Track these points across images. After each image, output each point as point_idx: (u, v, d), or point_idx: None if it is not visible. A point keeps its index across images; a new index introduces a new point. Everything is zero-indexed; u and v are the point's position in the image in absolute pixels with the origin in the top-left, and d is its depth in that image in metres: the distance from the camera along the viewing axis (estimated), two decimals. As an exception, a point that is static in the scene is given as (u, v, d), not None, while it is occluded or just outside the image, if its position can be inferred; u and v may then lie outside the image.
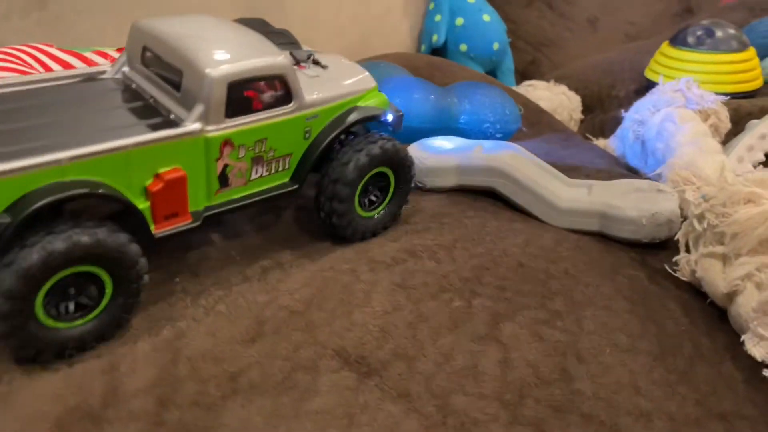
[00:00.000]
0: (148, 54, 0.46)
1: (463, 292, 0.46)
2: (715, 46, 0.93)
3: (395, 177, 0.52)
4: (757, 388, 0.43)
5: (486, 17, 1.16)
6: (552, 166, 0.62)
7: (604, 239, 0.55)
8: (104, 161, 0.38)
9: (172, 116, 0.42)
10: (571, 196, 0.57)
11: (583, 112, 1.04)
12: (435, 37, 1.16)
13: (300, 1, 1.11)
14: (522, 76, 1.32)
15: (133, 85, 0.47)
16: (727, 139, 0.77)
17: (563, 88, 1.05)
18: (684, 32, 0.96)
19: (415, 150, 0.60)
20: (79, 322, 0.39)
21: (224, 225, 0.53)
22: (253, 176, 0.46)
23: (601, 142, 0.86)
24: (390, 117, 0.52)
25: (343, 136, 0.50)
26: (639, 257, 0.53)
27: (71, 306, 0.39)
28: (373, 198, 0.52)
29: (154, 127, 0.41)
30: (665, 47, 0.98)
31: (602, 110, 1.01)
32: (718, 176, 0.50)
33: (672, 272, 0.52)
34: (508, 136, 0.75)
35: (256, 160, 0.45)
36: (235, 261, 0.48)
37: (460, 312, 0.44)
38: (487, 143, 0.61)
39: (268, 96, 0.44)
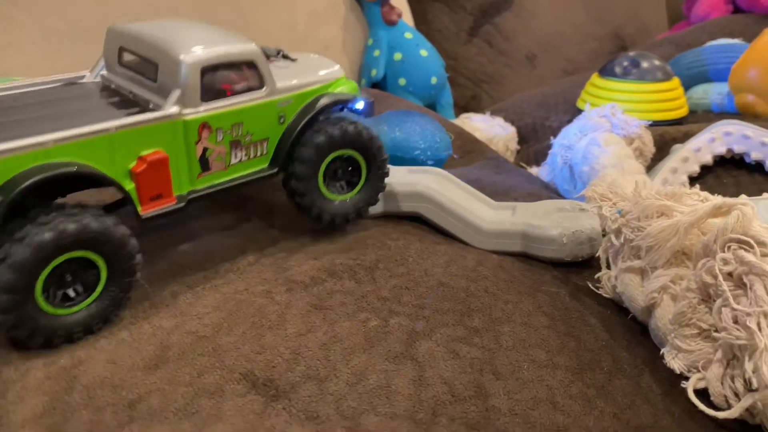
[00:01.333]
0: (125, 54, 0.49)
1: (380, 311, 0.45)
2: (641, 76, 0.96)
3: (365, 161, 0.52)
4: (675, 400, 0.42)
5: (423, 52, 1.19)
6: (482, 190, 0.62)
7: (528, 259, 0.55)
8: (88, 143, 0.40)
9: (151, 105, 0.45)
10: (495, 218, 0.57)
11: (519, 142, 1.06)
12: (374, 72, 1.18)
13: (237, 37, 1.11)
14: (463, 110, 1.34)
15: (113, 85, 0.49)
16: (653, 164, 0.79)
17: (499, 120, 1.07)
18: (612, 63, 1.00)
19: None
20: (80, 306, 0.41)
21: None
22: (233, 161, 0.48)
23: (533, 170, 0.87)
24: (361, 104, 0.55)
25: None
26: (562, 275, 0.53)
27: (70, 292, 0.41)
28: (349, 182, 0.53)
29: (135, 115, 0.43)
30: (595, 78, 1.01)
31: (537, 140, 1.03)
32: (632, 191, 0.51)
33: (594, 289, 0.52)
34: (439, 163, 0.75)
35: (235, 144, 0.47)
36: (143, 287, 0.46)
37: (376, 331, 0.43)
38: (412, 169, 0.61)
39: (240, 81, 0.47)
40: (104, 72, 0.51)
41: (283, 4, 1.17)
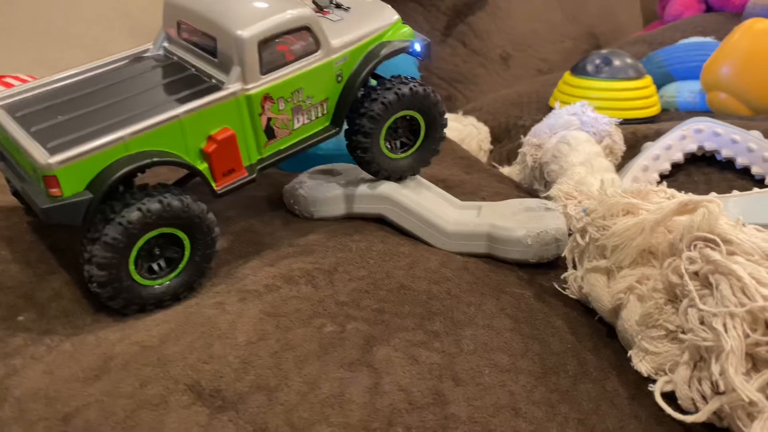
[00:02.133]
0: (184, 27, 0.49)
1: (337, 316, 0.43)
2: (612, 74, 0.95)
3: (425, 123, 0.54)
4: (642, 403, 0.41)
5: (395, 51, 1.17)
6: (450, 190, 0.61)
7: (494, 261, 0.54)
8: (161, 132, 0.42)
9: (213, 81, 0.46)
10: (459, 219, 0.55)
11: (492, 142, 1.05)
12: (345, 72, 1.16)
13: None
14: (438, 110, 1.32)
15: (175, 58, 0.50)
16: (625, 162, 0.78)
17: (472, 119, 1.05)
18: (584, 61, 0.99)
19: (303, 178, 0.58)
20: (169, 277, 0.44)
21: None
22: (296, 125, 0.49)
23: (505, 170, 0.86)
24: (417, 47, 0.54)
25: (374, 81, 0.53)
26: (527, 276, 0.52)
27: (160, 265, 0.44)
28: (404, 141, 0.54)
29: (200, 93, 0.45)
30: (567, 76, 1.00)
31: (509, 140, 1.02)
32: (598, 189, 0.50)
33: (561, 290, 0.51)
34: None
35: (296, 110, 0.49)
36: (91, 301, 0.43)
37: (332, 337, 0.41)
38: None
39: (296, 47, 0.48)
40: (166, 44, 0.51)
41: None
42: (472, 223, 0.54)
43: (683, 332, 0.40)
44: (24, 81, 0.76)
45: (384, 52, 0.52)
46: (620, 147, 0.75)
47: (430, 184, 0.59)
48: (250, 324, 0.42)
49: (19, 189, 0.43)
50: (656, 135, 0.82)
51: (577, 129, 0.73)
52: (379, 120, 0.52)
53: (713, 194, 0.64)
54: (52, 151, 0.39)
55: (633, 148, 0.80)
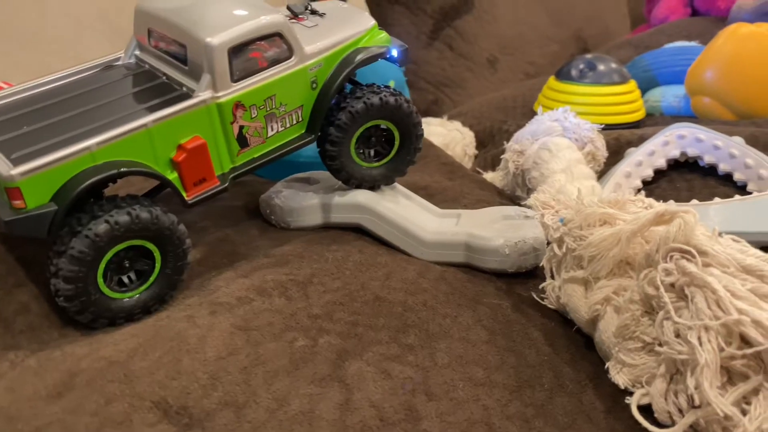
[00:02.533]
0: (155, 34, 0.49)
1: (309, 330, 0.42)
2: (597, 79, 0.95)
3: (399, 134, 0.52)
4: (618, 417, 0.40)
5: (380, 55, 1.16)
6: (431, 197, 0.60)
7: (472, 270, 0.53)
8: (129, 141, 0.41)
9: (184, 89, 0.45)
10: (437, 228, 0.55)
11: (477, 147, 1.04)
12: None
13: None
14: (425, 114, 1.31)
15: (146, 66, 0.49)
16: (608, 168, 0.78)
17: (457, 124, 1.05)
18: (568, 66, 0.98)
19: (280, 187, 0.57)
20: (139, 290, 0.43)
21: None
22: (270, 133, 0.49)
23: (488, 175, 0.85)
24: (395, 52, 0.54)
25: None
26: (506, 286, 0.51)
27: (130, 278, 0.43)
28: (379, 151, 0.53)
29: (170, 102, 0.44)
30: (551, 81, 0.99)
31: (494, 145, 1.01)
32: (575, 199, 0.49)
33: (539, 300, 0.50)
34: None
35: (270, 118, 0.48)
36: (59, 315, 0.43)
37: (303, 352, 0.41)
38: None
39: (268, 54, 0.47)
40: (137, 52, 0.51)
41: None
42: (450, 233, 0.54)
43: (659, 345, 0.40)
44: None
45: (359, 58, 0.51)
46: (602, 153, 0.75)
47: (409, 192, 0.59)
48: (221, 338, 0.41)
49: None
50: (639, 141, 0.81)
51: (559, 135, 0.73)
52: (347, 129, 0.51)
53: (695, 201, 0.64)
54: (15, 162, 0.38)
55: (616, 153, 0.80)
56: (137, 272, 0.44)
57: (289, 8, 0.52)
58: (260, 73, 0.46)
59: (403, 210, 0.55)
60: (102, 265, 0.41)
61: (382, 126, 0.54)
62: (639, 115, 0.97)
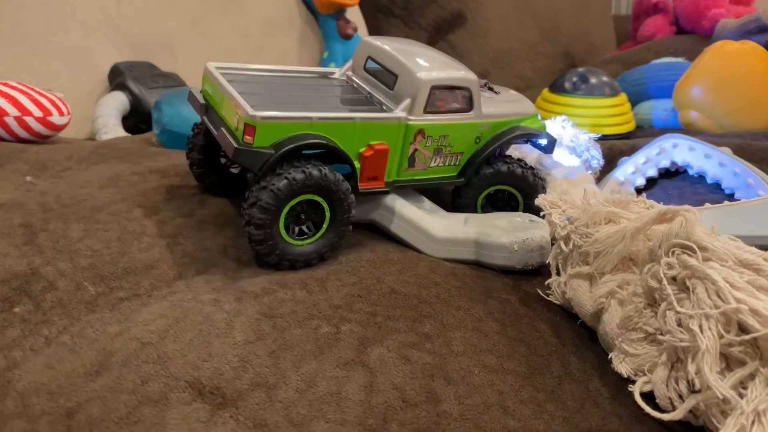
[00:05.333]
0: (370, 62, 0.60)
1: (332, 318, 0.45)
2: (589, 91, 0.99)
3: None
4: (622, 403, 0.43)
5: (378, 65, 1.19)
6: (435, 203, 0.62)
7: (480, 268, 0.55)
8: (339, 126, 0.51)
9: (383, 107, 0.56)
10: (447, 226, 0.57)
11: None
12: (329, 84, 1.18)
13: (189, 46, 1.09)
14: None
15: (354, 84, 0.61)
16: (602, 176, 0.81)
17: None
18: (562, 79, 1.02)
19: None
20: (313, 238, 0.52)
21: (76, 253, 0.49)
22: (432, 164, 0.58)
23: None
24: (544, 141, 0.64)
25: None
26: (513, 283, 0.54)
27: (305, 228, 0.51)
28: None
29: (374, 111, 0.55)
30: (545, 93, 1.03)
31: (490, 153, 1.04)
32: (582, 199, 0.52)
33: (545, 296, 0.53)
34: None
35: (437, 152, 0.58)
36: (87, 291, 0.44)
37: (327, 338, 0.43)
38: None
39: (455, 102, 0.57)
40: (350, 73, 0.63)
41: (236, 12, 1.17)
42: (460, 230, 0.56)
43: (662, 334, 0.43)
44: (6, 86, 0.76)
45: (518, 132, 0.61)
46: (599, 161, 0.78)
47: (417, 193, 0.61)
48: (248, 324, 0.43)
49: (216, 134, 0.51)
50: (632, 150, 0.85)
51: (558, 143, 0.75)
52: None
53: (687, 207, 0.67)
54: (257, 109, 0.48)
55: (610, 163, 0.83)
56: (313, 223, 0.52)
57: None
58: (445, 114, 0.56)
59: (415, 207, 0.58)
60: (284, 214, 0.49)
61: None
62: (629, 127, 1.01)
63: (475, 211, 0.62)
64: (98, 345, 0.40)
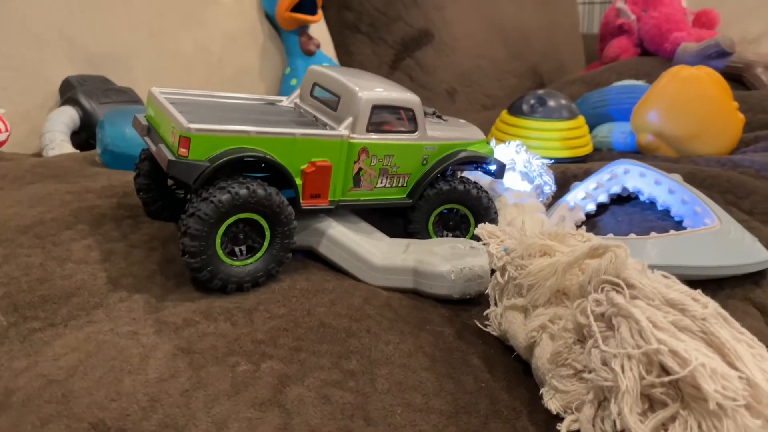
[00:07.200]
0: (317, 88, 0.61)
1: (252, 355, 0.43)
2: (547, 114, 0.99)
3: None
4: (550, 442, 0.42)
5: (340, 83, 1.19)
6: (384, 227, 0.61)
7: (419, 297, 0.54)
8: (279, 141, 0.51)
9: (327, 127, 0.56)
10: (387, 253, 0.56)
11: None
12: (290, 101, 1.17)
13: (146, 60, 1.08)
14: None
15: (302, 110, 0.62)
16: (554, 201, 0.81)
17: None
18: (520, 101, 1.02)
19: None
20: (250, 260, 0.51)
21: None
22: (379, 185, 0.58)
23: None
24: (493, 166, 0.65)
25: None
26: (450, 313, 0.53)
27: (243, 249, 0.51)
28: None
29: (316, 128, 0.55)
30: (504, 115, 1.03)
31: (448, 173, 1.03)
32: (518, 230, 0.52)
33: (482, 327, 0.52)
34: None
35: (383, 172, 0.58)
36: (-4, 324, 0.42)
37: (245, 376, 0.41)
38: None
39: (399, 123, 0.58)
40: (297, 100, 0.64)
41: (196, 26, 1.15)
42: (399, 258, 0.55)
43: (588, 372, 0.42)
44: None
45: (464, 155, 0.62)
46: (551, 187, 0.78)
47: (360, 219, 0.60)
48: (163, 360, 0.41)
49: (153, 150, 0.51)
50: (585, 175, 0.85)
51: (511, 169, 0.75)
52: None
53: (632, 235, 0.67)
54: (192, 122, 0.48)
55: (563, 187, 0.83)
56: (250, 248, 0.51)
57: None
58: (389, 133, 0.57)
59: (354, 234, 0.56)
60: (222, 229, 0.48)
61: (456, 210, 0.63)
62: (586, 150, 1.01)
63: (427, 235, 0.62)
64: (1, 382, 0.38)
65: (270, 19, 1.26)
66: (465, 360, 0.47)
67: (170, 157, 0.48)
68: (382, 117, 0.57)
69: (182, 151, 0.48)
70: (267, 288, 0.51)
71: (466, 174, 0.67)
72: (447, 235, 0.63)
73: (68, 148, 0.89)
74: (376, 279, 0.55)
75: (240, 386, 0.40)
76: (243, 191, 0.48)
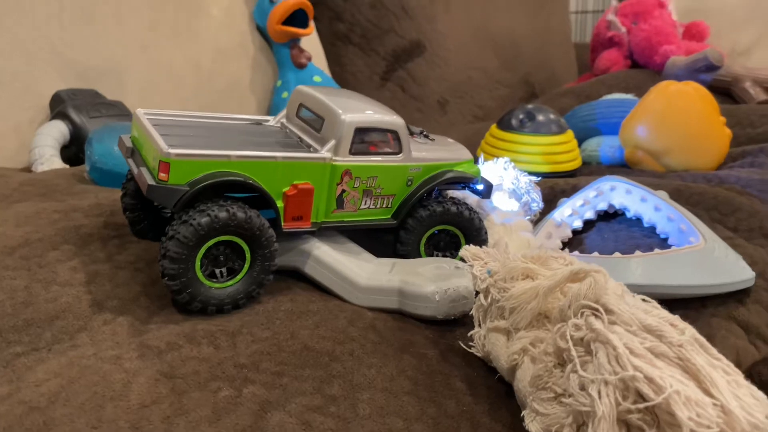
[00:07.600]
0: (303, 109, 0.61)
1: (235, 380, 0.43)
2: (536, 128, 0.99)
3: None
4: (530, 467, 0.42)
5: (331, 96, 1.19)
6: (369, 245, 0.62)
7: (403, 318, 0.55)
8: (260, 165, 0.51)
9: (311, 149, 0.56)
10: (372, 273, 0.57)
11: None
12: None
13: (137, 74, 1.08)
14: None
15: (287, 131, 0.62)
16: (542, 217, 0.81)
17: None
18: (509, 115, 1.03)
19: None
20: (230, 282, 0.51)
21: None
22: (363, 206, 0.58)
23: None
24: (480, 186, 0.65)
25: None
26: (434, 335, 0.53)
27: (223, 271, 0.51)
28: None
29: (299, 151, 0.55)
30: (493, 129, 1.03)
31: (438, 187, 1.04)
32: (501, 252, 0.52)
33: (467, 348, 0.52)
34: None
35: (367, 193, 0.58)
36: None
37: (227, 402, 0.41)
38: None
39: (383, 145, 0.58)
40: (284, 120, 0.64)
41: (187, 39, 1.15)
42: (384, 278, 0.56)
43: (568, 396, 0.42)
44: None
45: (450, 175, 0.62)
46: (539, 204, 0.78)
47: (346, 239, 0.60)
48: (146, 385, 0.41)
49: (135, 174, 0.51)
50: (573, 190, 0.85)
51: (498, 186, 0.75)
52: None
53: (617, 254, 0.68)
54: (172, 147, 0.48)
55: (550, 203, 0.83)
56: (231, 270, 0.51)
57: (408, 127, 0.61)
58: (372, 155, 0.57)
59: (339, 255, 0.57)
60: (202, 252, 0.48)
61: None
62: (575, 164, 1.02)
63: (419, 256, 0.62)
64: (-19, 411, 0.38)
65: (261, 31, 1.27)
66: (447, 383, 0.48)
67: (150, 181, 0.48)
68: (366, 139, 0.57)
69: (162, 175, 0.48)
70: (251, 309, 0.52)
71: (453, 192, 0.67)
72: (437, 256, 0.63)
73: (58, 163, 0.89)
74: (361, 299, 0.56)
75: (221, 412, 0.40)
76: (222, 214, 0.48)
